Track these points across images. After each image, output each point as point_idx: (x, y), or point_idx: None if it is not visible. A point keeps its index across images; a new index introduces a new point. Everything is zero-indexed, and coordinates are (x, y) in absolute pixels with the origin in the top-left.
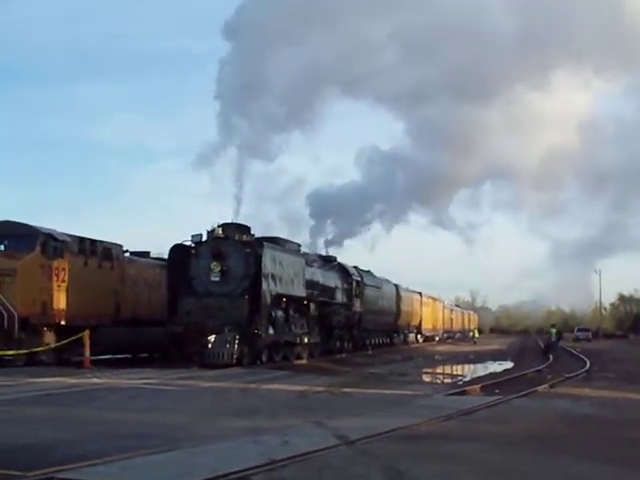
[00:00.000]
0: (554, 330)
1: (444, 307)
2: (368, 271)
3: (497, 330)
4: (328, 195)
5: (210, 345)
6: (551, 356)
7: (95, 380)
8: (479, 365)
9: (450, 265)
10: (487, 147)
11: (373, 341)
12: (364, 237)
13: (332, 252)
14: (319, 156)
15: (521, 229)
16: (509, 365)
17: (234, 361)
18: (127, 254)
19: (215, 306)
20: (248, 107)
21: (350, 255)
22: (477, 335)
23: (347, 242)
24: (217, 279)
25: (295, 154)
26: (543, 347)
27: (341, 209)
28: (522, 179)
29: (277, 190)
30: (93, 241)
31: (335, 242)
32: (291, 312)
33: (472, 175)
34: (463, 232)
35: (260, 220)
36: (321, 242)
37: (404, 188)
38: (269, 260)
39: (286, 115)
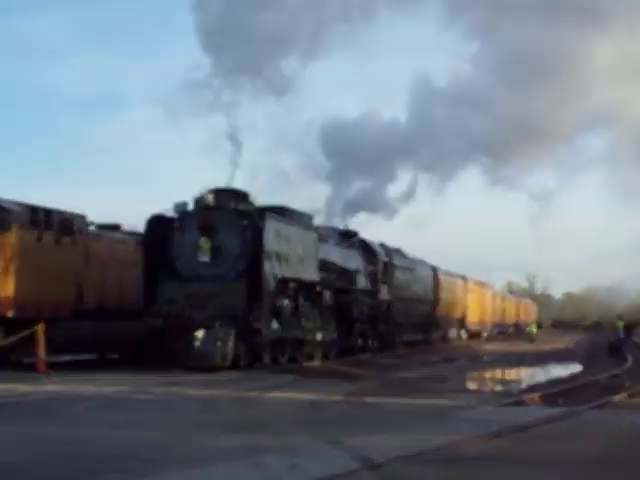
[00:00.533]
0: (621, 323)
1: (494, 295)
2: (398, 249)
3: (562, 324)
4: (356, 140)
5: (198, 343)
6: (628, 357)
7: (52, 387)
8: (538, 368)
9: (504, 241)
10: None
11: (404, 338)
12: (395, 203)
13: (354, 223)
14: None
15: (607, 198)
16: (577, 369)
17: (228, 363)
18: (92, 227)
19: (204, 293)
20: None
21: (376, 229)
22: (535, 330)
23: (373, 211)
24: (206, 259)
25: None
26: (608, 346)
27: (370, 160)
28: (625, 133)
29: (292, 135)
30: (48, 211)
31: (359, 206)
32: (300, 301)
33: (559, 125)
34: (534, 197)
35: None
36: (339, 207)
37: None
38: (272, 235)
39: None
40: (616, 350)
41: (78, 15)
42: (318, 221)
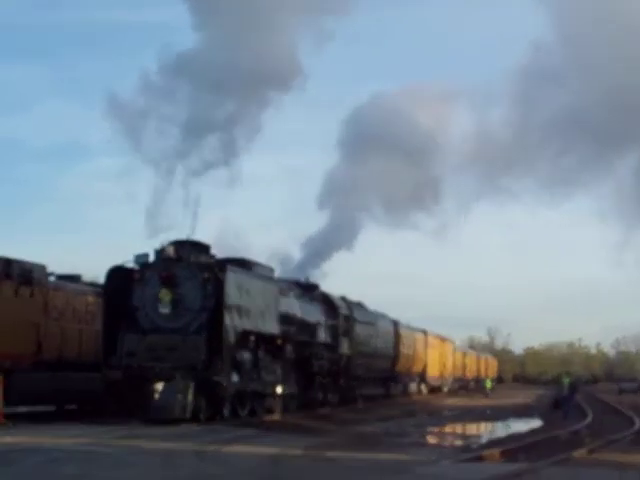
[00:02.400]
0: (567, 380)
1: (455, 349)
2: (359, 303)
3: (523, 378)
4: None
5: (157, 395)
6: (567, 413)
7: (9, 439)
8: (499, 423)
9: (461, 295)
10: None
11: (365, 392)
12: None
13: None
14: None
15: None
16: (537, 424)
17: (188, 415)
18: (52, 278)
19: (164, 345)
20: None
21: (336, 281)
22: (490, 385)
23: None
24: (167, 311)
25: None
26: (552, 402)
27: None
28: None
29: None
30: (8, 261)
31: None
32: (261, 354)
33: None
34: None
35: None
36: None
37: None
38: (233, 288)
39: None
40: (558, 406)
41: (44, 65)
42: (278, 273)
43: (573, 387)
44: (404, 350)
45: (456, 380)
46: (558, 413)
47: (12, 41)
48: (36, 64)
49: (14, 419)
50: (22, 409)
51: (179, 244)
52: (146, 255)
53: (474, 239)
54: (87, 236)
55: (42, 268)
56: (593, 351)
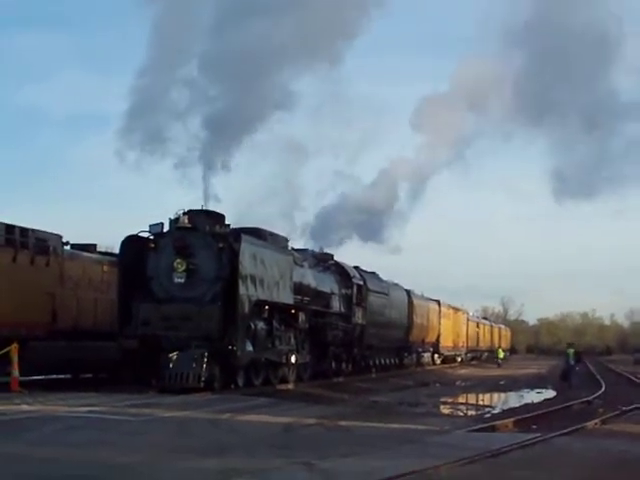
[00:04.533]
0: (571, 351)
1: (468, 320)
2: (373, 273)
3: (536, 349)
4: None
5: (172, 364)
6: (573, 382)
7: (25, 407)
8: (512, 394)
9: (475, 266)
10: None
11: (378, 362)
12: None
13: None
14: None
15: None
16: (550, 394)
17: (202, 384)
18: (67, 247)
19: (179, 315)
20: None
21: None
22: (502, 355)
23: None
24: (182, 280)
25: None
26: (560, 373)
27: None
28: None
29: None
30: (24, 230)
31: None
32: (275, 324)
33: None
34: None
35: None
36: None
37: None
38: (248, 257)
39: None
40: (565, 376)
41: (63, 34)
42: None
43: (577, 358)
44: (417, 320)
45: (469, 350)
46: (566, 384)
47: (32, 9)
48: (55, 32)
49: (30, 387)
50: (38, 377)
51: (194, 213)
52: (161, 224)
53: (488, 209)
54: (102, 206)
55: (58, 238)
56: (607, 322)
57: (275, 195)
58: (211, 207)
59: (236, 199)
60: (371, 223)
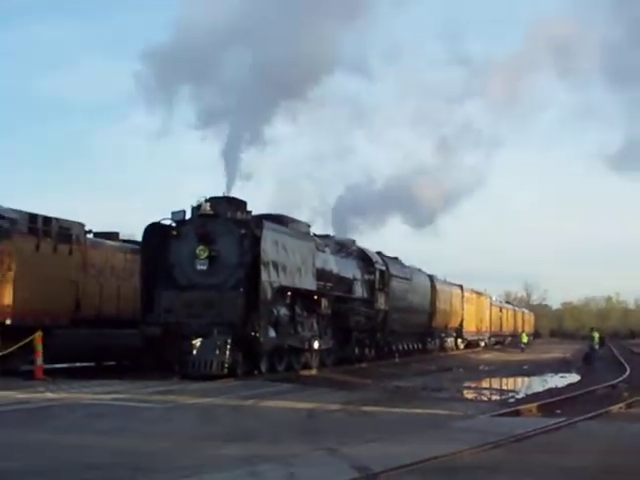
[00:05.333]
0: (596, 334)
1: (492, 304)
2: (395, 258)
3: (559, 333)
4: None
5: (195, 351)
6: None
7: (49, 395)
8: (536, 378)
9: (498, 250)
10: None
11: (401, 347)
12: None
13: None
14: None
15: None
16: (574, 378)
17: (225, 371)
18: (90, 235)
19: (201, 302)
20: None
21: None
22: (526, 340)
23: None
24: (204, 267)
25: None
26: (584, 356)
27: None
28: None
29: None
30: (47, 219)
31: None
32: (298, 310)
33: None
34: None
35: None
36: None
37: None
38: (270, 244)
39: None
40: (589, 360)
41: (83, 22)
42: (315, 229)
43: (601, 342)
44: (440, 305)
45: (493, 335)
46: (590, 367)
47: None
48: (72, 20)
49: (54, 375)
50: (62, 365)
51: (215, 200)
52: (183, 212)
53: (511, 192)
54: (125, 194)
55: (80, 226)
56: (631, 306)
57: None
58: (247, 185)
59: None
60: (413, 206)
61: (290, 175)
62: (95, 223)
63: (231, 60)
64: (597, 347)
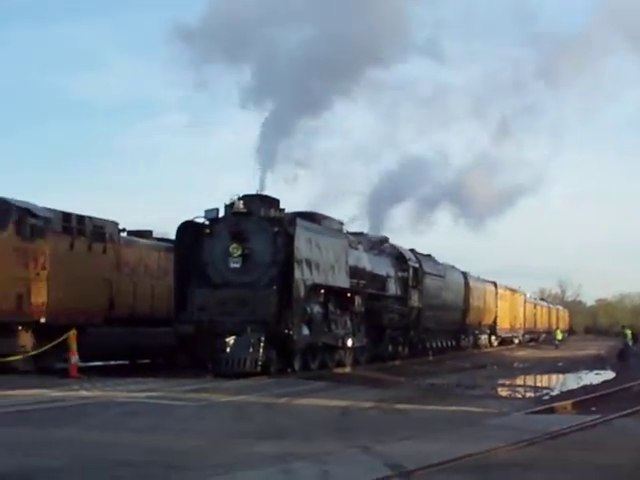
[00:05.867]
0: (628, 331)
1: (526, 301)
2: (428, 255)
3: (594, 330)
4: None
5: (228, 349)
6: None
7: (84, 393)
8: (570, 375)
9: (532, 247)
10: None
11: (435, 344)
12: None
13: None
14: None
15: None
16: (609, 375)
17: (259, 369)
18: (124, 234)
19: (235, 300)
20: None
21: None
22: (560, 337)
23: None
24: (237, 265)
25: None
26: (618, 352)
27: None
28: None
29: None
30: (81, 217)
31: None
32: (331, 307)
33: None
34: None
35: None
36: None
37: None
38: (303, 242)
39: None
40: (623, 356)
41: (113, 22)
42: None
43: (635, 338)
44: (474, 302)
45: (527, 332)
46: (624, 364)
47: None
48: (99, 21)
49: (88, 373)
50: (96, 363)
51: (248, 198)
52: (216, 210)
53: (550, 188)
54: (158, 192)
55: (114, 224)
56: None
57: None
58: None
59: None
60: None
61: (337, 165)
62: (129, 221)
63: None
64: (630, 344)
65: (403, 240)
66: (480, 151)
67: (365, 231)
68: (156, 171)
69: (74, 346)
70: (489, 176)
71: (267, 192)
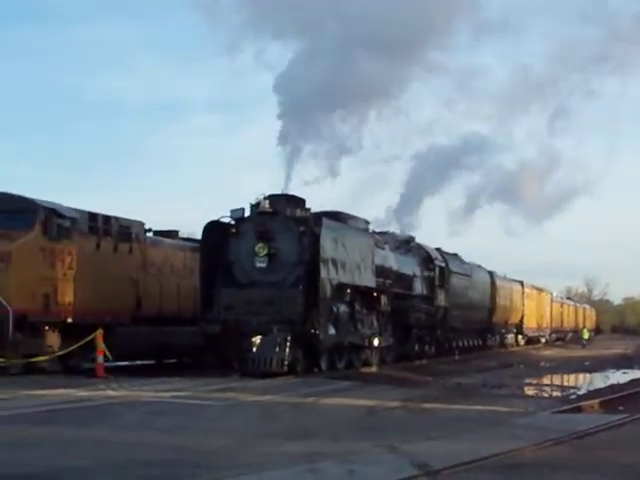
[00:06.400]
0: None
1: (552, 300)
2: (455, 255)
3: (621, 329)
4: None
5: (255, 348)
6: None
7: (110, 392)
8: (597, 374)
9: (559, 246)
10: None
11: (461, 343)
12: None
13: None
14: None
15: None
16: (637, 374)
17: (285, 369)
18: (150, 234)
19: (261, 299)
20: None
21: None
22: (587, 336)
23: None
24: (263, 265)
25: None
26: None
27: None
28: None
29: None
30: (107, 217)
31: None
32: (357, 307)
33: None
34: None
35: None
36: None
37: None
38: (329, 241)
39: None
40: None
41: (143, 23)
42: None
43: None
44: (500, 301)
45: (553, 331)
46: None
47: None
48: (129, 21)
49: (115, 373)
50: (122, 363)
51: (274, 198)
52: (242, 210)
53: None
54: (185, 192)
55: (140, 224)
56: None
57: None
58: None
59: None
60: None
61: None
62: (155, 221)
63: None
64: None
65: (429, 239)
66: (538, 146)
67: (393, 229)
68: (182, 171)
69: (101, 346)
70: (545, 173)
71: (293, 192)
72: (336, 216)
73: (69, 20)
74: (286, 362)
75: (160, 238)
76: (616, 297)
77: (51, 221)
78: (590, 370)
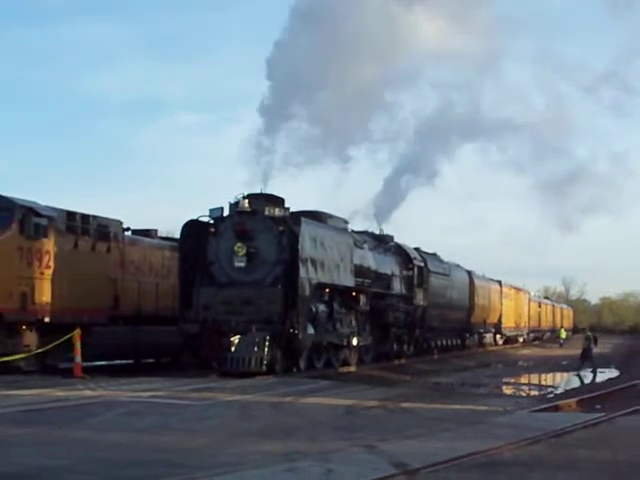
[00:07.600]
0: (591, 335)
1: (530, 300)
2: (433, 254)
3: (598, 329)
4: None
5: (233, 348)
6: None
7: (88, 392)
8: (575, 373)
9: (537, 246)
10: None
11: (440, 343)
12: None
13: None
14: None
15: None
16: (614, 374)
17: (264, 368)
18: (128, 233)
19: (240, 299)
20: None
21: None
22: (564, 335)
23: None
24: (242, 264)
25: None
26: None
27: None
28: None
29: None
30: (85, 216)
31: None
32: (336, 306)
33: None
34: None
35: None
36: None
37: None
38: (308, 240)
39: None
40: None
41: (124, 21)
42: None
43: (594, 340)
44: (479, 301)
45: (531, 331)
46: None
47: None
48: (114, 20)
49: (93, 373)
50: (100, 363)
51: (253, 197)
52: (221, 209)
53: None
54: (162, 191)
55: (118, 223)
56: None
57: None
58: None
59: None
60: None
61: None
62: (133, 220)
63: None
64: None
65: (408, 238)
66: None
67: (370, 229)
68: (162, 170)
69: (78, 345)
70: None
71: (272, 191)
72: (315, 215)
73: (52, 18)
74: (265, 362)
75: (139, 237)
76: (593, 297)
77: (28, 220)
78: (568, 369)
